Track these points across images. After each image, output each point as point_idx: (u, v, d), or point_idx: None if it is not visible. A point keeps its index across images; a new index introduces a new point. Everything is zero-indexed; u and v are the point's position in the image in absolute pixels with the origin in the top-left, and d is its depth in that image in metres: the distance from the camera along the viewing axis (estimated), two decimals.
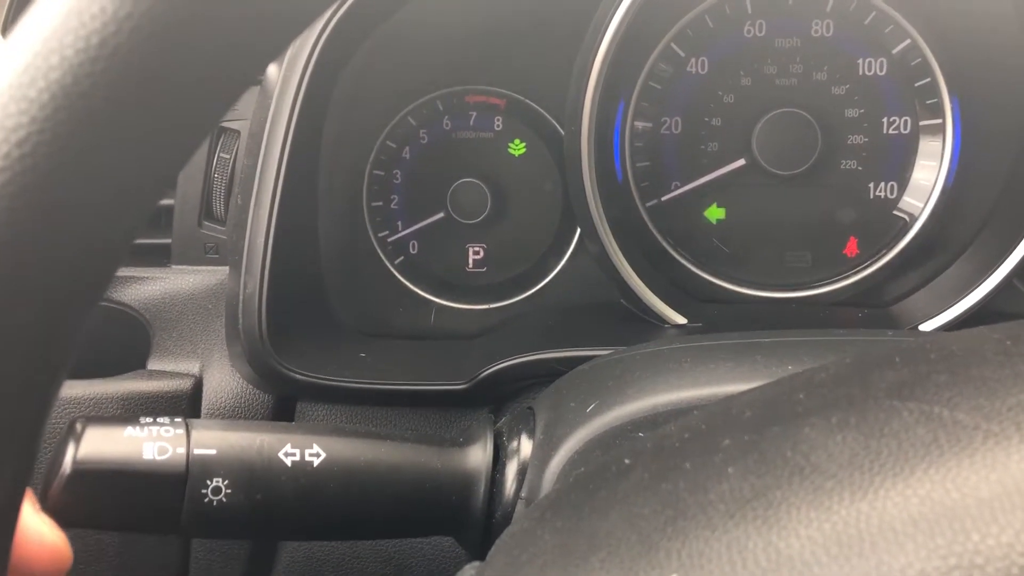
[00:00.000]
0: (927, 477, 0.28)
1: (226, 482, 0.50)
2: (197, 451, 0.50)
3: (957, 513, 0.26)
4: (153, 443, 0.50)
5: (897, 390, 0.33)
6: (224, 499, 0.50)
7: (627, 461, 0.37)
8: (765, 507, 0.29)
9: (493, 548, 0.37)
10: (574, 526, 0.34)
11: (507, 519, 0.53)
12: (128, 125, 0.27)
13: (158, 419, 0.51)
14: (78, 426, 0.50)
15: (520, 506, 0.53)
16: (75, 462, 0.48)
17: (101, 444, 0.49)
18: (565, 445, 0.52)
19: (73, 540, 0.47)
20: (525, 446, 0.56)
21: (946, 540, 0.25)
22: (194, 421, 0.52)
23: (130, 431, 0.50)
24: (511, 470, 0.55)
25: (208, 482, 0.50)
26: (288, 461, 0.51)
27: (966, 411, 0.30)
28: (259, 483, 0.51)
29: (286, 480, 0.51)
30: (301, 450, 0.52)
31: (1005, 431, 0.28)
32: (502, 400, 0.77)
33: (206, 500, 0.50)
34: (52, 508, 0.48)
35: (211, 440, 0.51)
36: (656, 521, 0.31)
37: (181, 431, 0.51)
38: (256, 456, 0.51)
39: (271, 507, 0.51)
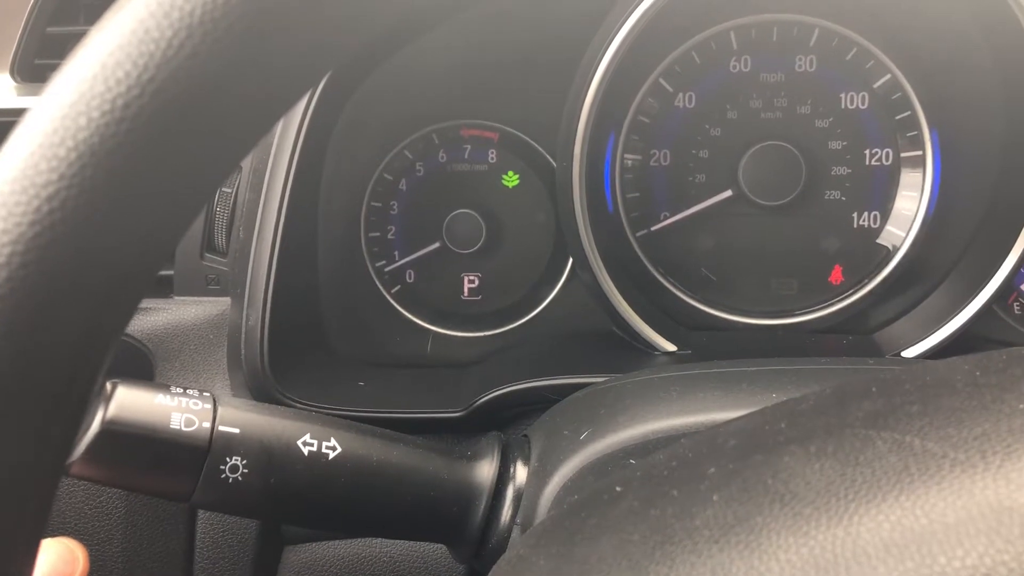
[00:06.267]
0: (898, 504, 0.29)
1: (244, 462, 0.51)
2: (222, 428, 0.51)
3: (925, 538, 0.27)
4: (181, 414, 0.51)
5: (873, 420, 0.34)
6: (240, 478, 0.51)
7: (618, 488, 0.39)
8: (747, 533, 0.30)
9: (490, 574, 0.39)
10: (567, 552, 0.35)
11: (503, 545, 0.55)
12: (149, 179, 0.28)
13: (188, 391, 0.53)
14: (109, 387, 0.51)
15: (516, 532, 0.55)
16: (104, 422, 0.49)
17: (131, 407, 0.50)
18: (559, 473, 0.53)
19: (77, 539, 0.49)
20: (521, 473, 0.57)
21: (915, 563, 0.27)
22: (221, 398, 0.53)
23: (160, 398, 0.51)
24: (508, 496, 0.56)
25: (227, 459, 0.51)
26: (305, 450, 0.53)
27: (936, 440, 0.32)
28: (275, 467, 0.52)
29: (301, 468, 0.52)
30: (319, 441, 0.53)
31: (971, 459, 0.30)
32: (499, 427, 0.78)
33: (222, 476, 0.51)
34: (76, 464, 0.49)
35: (236, 419, 0.52)
36: (645, 547, 0.33)
37: (209, 406, 0.52)
38: (276, 441, 0.52)
39: (282, 492, 0.52)
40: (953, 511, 0.28)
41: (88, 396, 0.30)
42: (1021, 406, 0.32)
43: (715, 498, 0.33)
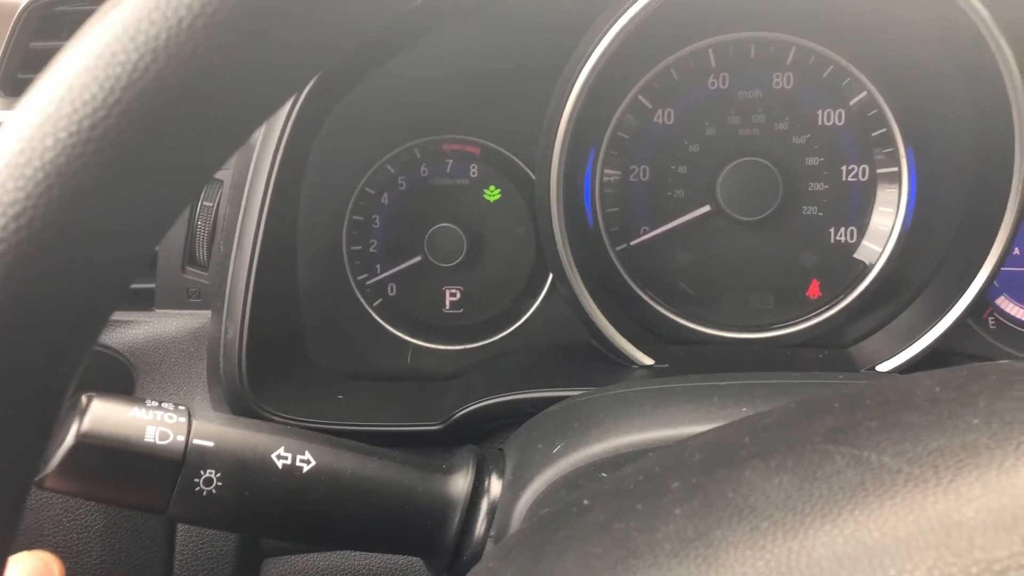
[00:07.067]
0: (852, 518, 0.29)
1: (218, 475, 0.51)
2: (196, 441, 0.51)
3: (877, 551, 0.28)
4: (156, 427, 0.51)
5: (833, 435, 0.35)
6: (214, 491, 0.51)
7: (586, 502, 0.39)
8: (706, 546, 0.31)
9: None
10: (534, 565, 0.36)
11: (477, 557, 0.55)
12: (115, 198, 0.29)
13: (163, 404, 0.53)
14: (84, 400, 0.51)
15: (490, 545, 0.55)
16: (78, 435, 0.49)
17: (105, 420, 0.50)
18: (532, 486, 0.54)
19: (55, 551, 0.50)
20: (495, 486, 0.57)
21: None
22: (196, 411, 0.54)
23: (135, 412, 0.51)
24: (483, 509, 0.56)
25: (201, 472, 0.51)
26: (279, 464, 0.53)
27: (892, 455, 0.32)
28: (249, 481, 0.52)
29: (275, 482, 0.53)
30: (293, 455, 0.53)
31: (924, 474, 0.30)
32: (478, 440, 0.79)
33: (196, 489, 0.51)
34: (50, 477, 0.49)
35: (210, 432, 0.52)
36: (608, 560, 0.33)
37: (183, 419, 0.52)
38: (250, 454, 0.52)
39: (256, 505, 0.52)
40: (905, 525, 0.28)
41: (56, 411, 0.30)
42: (975, 421, 0.33)
43: (677, 512, 0.34)
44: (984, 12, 0.74)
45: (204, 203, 0.84)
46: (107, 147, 0.28)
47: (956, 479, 0.30)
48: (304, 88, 0.74)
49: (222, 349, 0.76)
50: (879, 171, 0.90)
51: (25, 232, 0.27)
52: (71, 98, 0.27)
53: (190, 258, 0.86)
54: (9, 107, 0.87)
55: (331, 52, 0.30)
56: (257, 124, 0.31)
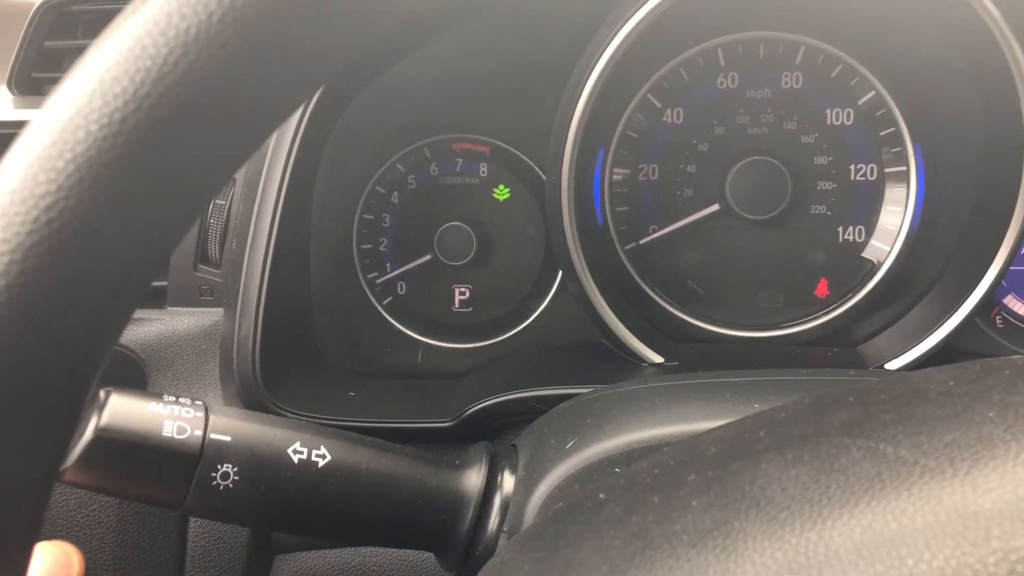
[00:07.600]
0: (869, 509, 0.30)
1: (235, 469, 0.52)
2: (213, 435, 0.52)
3: (894, 541, 0.28)
4: (173, 421, 0.51)
5: (848, 428, 0.35)
6: (231, 485, 0.52)
7: (601, 496, 0.39)
8: (724, 537, 0.31)
9: None
10: (550, 557, 0.36)
11: (490, 552, 0.55)
12: (145, 190, 0.29)
13: (180, 399, 0.53)
14: (103, 395, 0.51)
15: (503, 540, 0.56)
16: (97, 429, 0.50)
17: (124, 415, 0.51)
18: (545, 481, 0.54)
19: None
20: (508, 482, 0.58)
21: (884, 566, 0.28)
22: (213, 406, 0.54)
23: (153, 406, 0.52)
24: (495, 504, 0.57)
25: (218, 467, 0.52)
26: (295, 458, 0.53)
27: (907, 448, 0.33)
28: (265, 475, 0.53)
29: (291, 476, 0.53)
30: (309, 450, 0.54)
31: (940, 466, 0.31)
32: (488, 437, 0.79)
33: (213, 483, 0.52)
34: (69, 470, 0.50)
35: (227, 427, 0.53)
36: (625, 551, 0.33)
37: (201, 414, 0.53)
38: (267, 449, 0.53)
39: (272, 499, 0.53)
40: (922, 515, 0.29)
41: (82, 403, 0.31)
42: (991, 414, 0.33)
43: (694, 504, 0.34)
44: (994, 10, 0.74)
45: (217, 201, 0.85)
46: (137, 139, 0.28)
47: (972, 470, 0.30)
48: (326, 82, 0.75)
49: (236, 346, 0.76)
50: (887, 170, 0.90)
51: (56, 224, 0.28)
52: (102, 91, 0.28)
53: (202, 256, 0.86)
54: (23, 105, 0.88)
55: (356, 48, 0.31)
56: (282, 119, 0.32)
